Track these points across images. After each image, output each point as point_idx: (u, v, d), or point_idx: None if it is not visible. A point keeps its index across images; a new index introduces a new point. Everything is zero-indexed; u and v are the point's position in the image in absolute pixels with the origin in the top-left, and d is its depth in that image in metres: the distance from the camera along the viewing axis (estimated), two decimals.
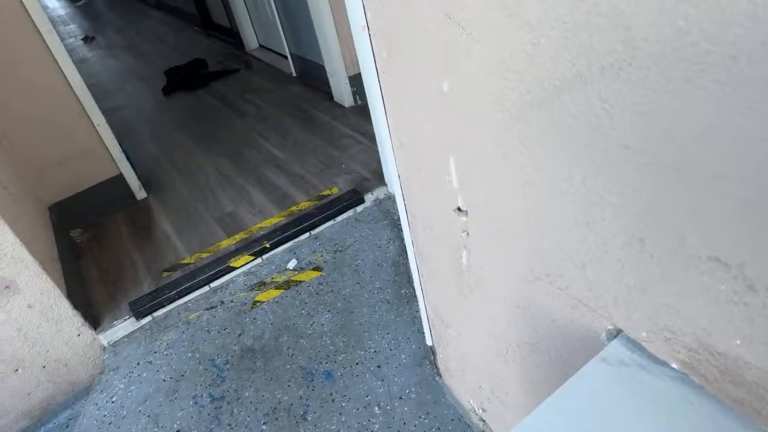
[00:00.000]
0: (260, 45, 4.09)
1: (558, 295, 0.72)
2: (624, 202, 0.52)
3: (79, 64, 4.96)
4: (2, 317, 1.56)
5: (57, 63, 2.14)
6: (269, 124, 2.96)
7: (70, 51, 5.54)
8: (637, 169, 0.48)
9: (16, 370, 1.63)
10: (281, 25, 3.29)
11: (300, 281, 1.88)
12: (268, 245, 2.00)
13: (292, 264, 1.95)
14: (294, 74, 3.46)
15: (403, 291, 1.74)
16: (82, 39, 5.95)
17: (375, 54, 1.05)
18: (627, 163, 0.49)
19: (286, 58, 3.48)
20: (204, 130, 3.08)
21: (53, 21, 7.49)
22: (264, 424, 1.44)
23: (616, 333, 0.61)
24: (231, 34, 4.33)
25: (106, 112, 2.38)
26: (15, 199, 1.80)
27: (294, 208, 2.20)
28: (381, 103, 1.07)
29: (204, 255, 2.05)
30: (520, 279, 0.80)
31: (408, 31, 0.86)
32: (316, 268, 1.91)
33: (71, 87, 2.20)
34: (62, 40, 6.38)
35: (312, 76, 3.23)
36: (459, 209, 0.91)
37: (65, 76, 2.17)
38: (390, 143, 1.09)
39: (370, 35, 1.10)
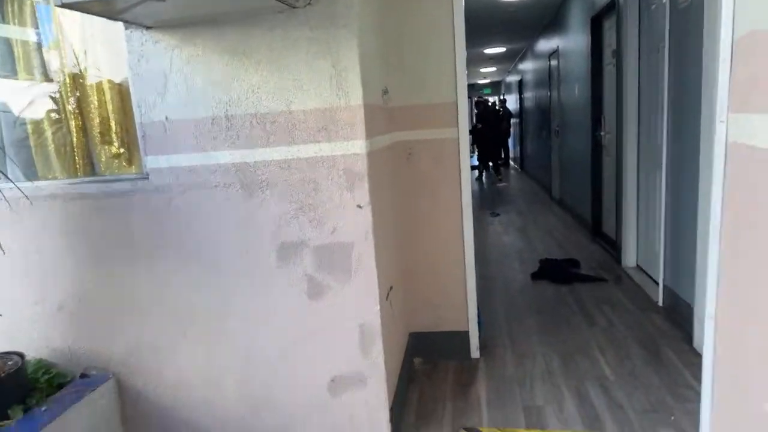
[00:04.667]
0: (637, 265, 4.15)
1: None
2: None
3: (481, 232, 6.14)
4: (349, 400, 2.10)
5: (464, 242, 2.84)
6: (613, 342, 2.95)
7: (481, 220, 6.91)
8: None
9: None
10: (663, 254, 3.31)
11: None
12: None
13: None
14: (660, 304, 3.36)
15: None
16: (490, 214, 7.32)
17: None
18: None
19: (657, 284, 3.43)
20: (551, 322, 3.31)
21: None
22: None
23: None
24: (614, 246, 4.56)
25: (480, 278, 2.93)
26: (393, 320, 2.43)
27: None
28: None
29: None
30: None
31: None
32: None
33: (465, 260, 2.85)
34: (477, 211, 7.92)
35: (678, 312, 3.08)
36: None
37: (464, 253, 2.84)
38: None
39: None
